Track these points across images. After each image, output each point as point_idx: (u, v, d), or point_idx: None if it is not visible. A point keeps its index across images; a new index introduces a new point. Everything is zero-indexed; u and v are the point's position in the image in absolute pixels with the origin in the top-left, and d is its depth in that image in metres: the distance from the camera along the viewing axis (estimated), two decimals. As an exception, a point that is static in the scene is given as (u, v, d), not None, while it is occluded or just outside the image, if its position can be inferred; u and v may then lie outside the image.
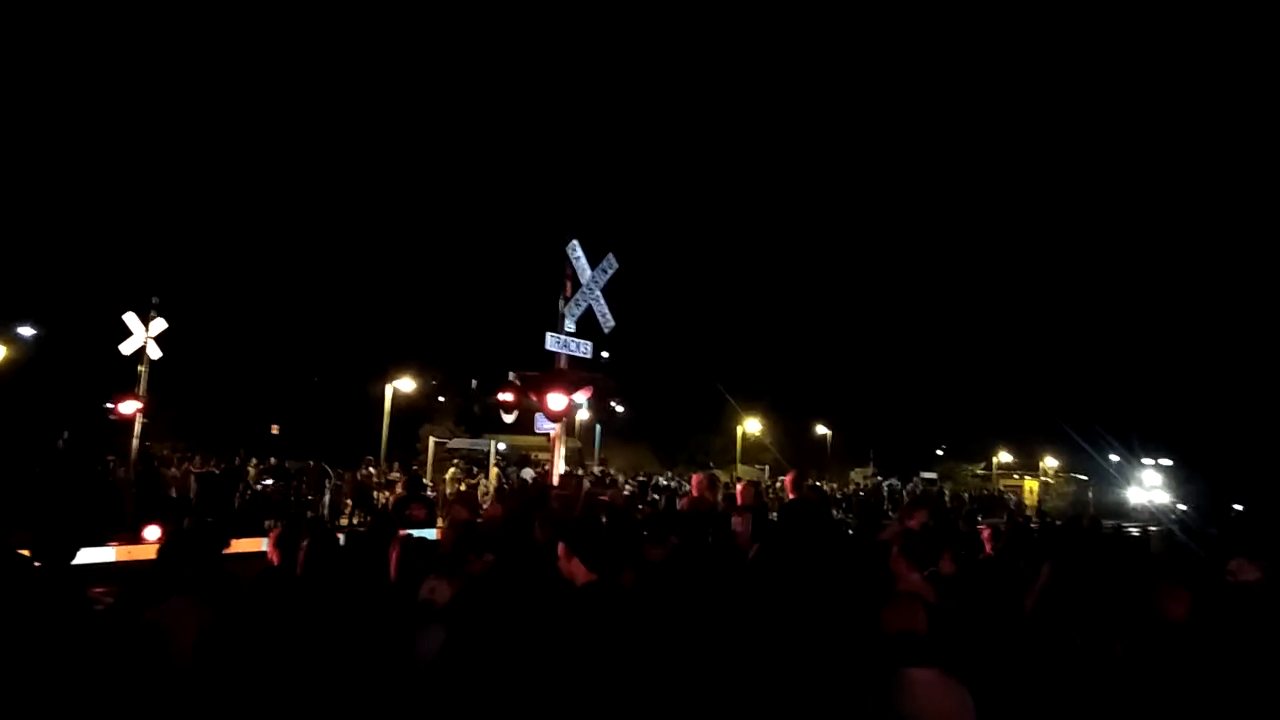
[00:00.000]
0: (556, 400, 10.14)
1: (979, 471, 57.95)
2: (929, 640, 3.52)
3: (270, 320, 39.54)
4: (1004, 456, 58.65)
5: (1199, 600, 4.37)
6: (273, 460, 23.58)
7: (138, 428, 16.23)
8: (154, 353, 16.35)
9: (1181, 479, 51.98)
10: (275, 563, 4.83)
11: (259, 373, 37.44)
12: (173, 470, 20.87)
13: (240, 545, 6.13)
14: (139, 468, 16.95)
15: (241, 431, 28.77)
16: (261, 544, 5.44)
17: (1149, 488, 50.52)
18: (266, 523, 17.33)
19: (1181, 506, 37.53)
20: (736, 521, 7.60)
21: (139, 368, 16.17)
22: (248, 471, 22.06)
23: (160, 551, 5.01)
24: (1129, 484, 51.04)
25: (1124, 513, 37.41)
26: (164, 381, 17.94)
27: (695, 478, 9.44)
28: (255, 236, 43.94)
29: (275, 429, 33.44)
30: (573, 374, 10.76)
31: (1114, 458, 50.52)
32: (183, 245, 38.24)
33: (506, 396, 10.48)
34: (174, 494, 19.33)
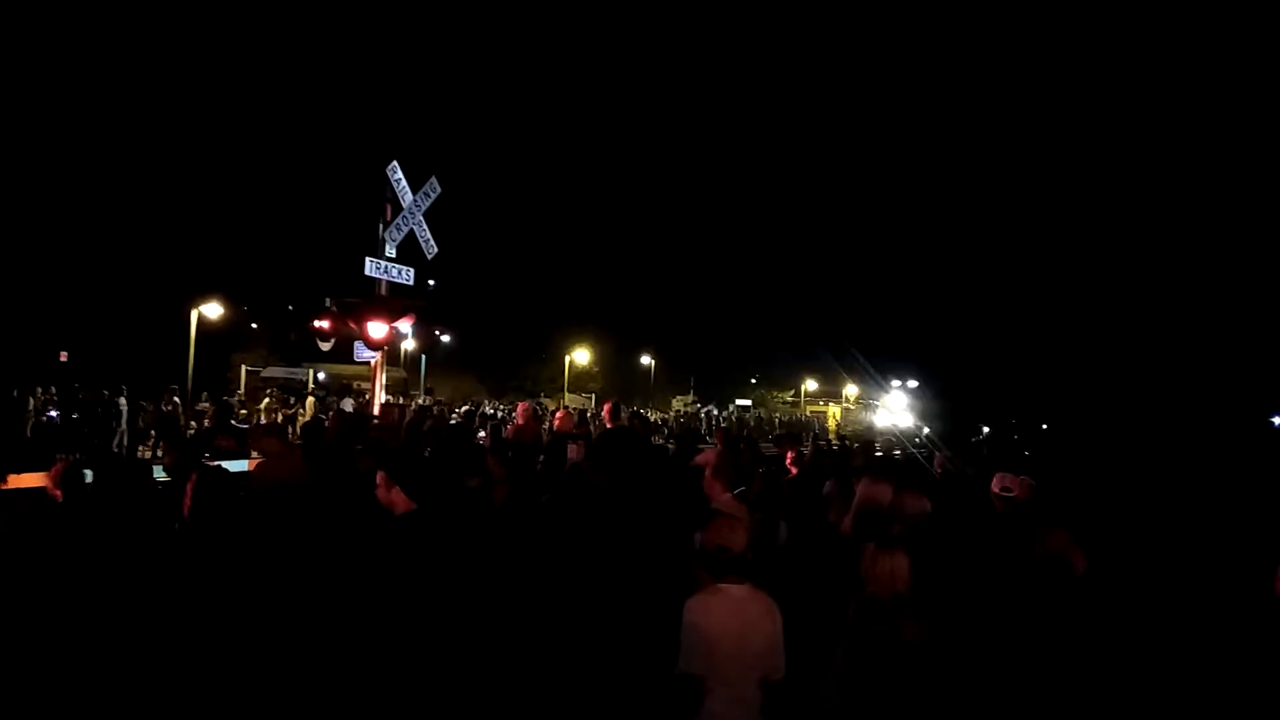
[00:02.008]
0: (377, 328, 9.87)
1: (789, 399, 61.46)
2: (743, 557, 3.72)
3: (62, 235, 35.92)
4: (810, 385, 62.43)
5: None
6: (54, 389, 21.65)
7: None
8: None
9: (927, 400, 53.16)
10: (58, 499, 4.51)
11: (45, 293, 34.05)
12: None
13: (23, 480, 5.68)
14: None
15: (25, 357, 26.25)
16: (43, 478, 5.07)
17: (896, 410, 51.55)
18: (57, 456, 16.04)
19: (926, 430, 35.50)
20: (573, 449, 7.79)
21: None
22: (29, 401, 20.21)
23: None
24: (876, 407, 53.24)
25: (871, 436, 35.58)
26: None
27: (520, 406, 9.54)
28: (45, 135, 39.31)
29: (64, 356, 30.65)
30: (394, 301, 10.48)
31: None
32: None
33: (323, 324, 10.10)
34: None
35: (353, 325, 10.02)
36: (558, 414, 8.97)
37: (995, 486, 6.07)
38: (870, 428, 46.52)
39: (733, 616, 3.60)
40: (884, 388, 54.35)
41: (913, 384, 57.65)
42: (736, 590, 3.66)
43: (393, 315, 10.17)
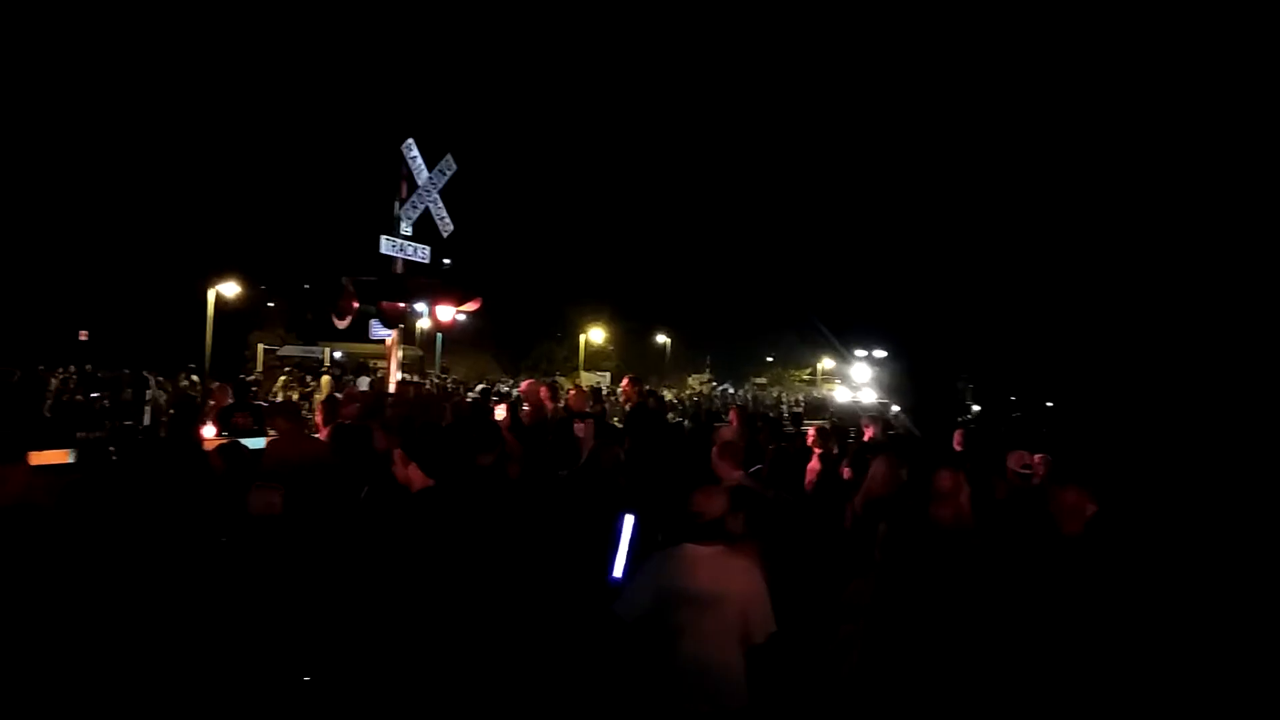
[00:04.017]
0: (393, 307, 9.90)
1: (805, 377, 61.31)
2: (718, 522, 3.74)
3: (82, 216, 36.08)
4: (827, 363, 62.25)
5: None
6: (73, 368, 21.84)
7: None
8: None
9: (896, 373, 49.11)
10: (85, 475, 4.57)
11: (66, 274, 34.28)
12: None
13: (43, 458, 5.74)
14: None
15: (45, 338, 26.48)
16: (67, 455, 5.14)
17: (857, 385, 48.16)
18: (79, 435, 16.19)
19: (896, 408, 31.38)
20: (579, 427, 7.81)
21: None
22: (50, 380, 20.41)
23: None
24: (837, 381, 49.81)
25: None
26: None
27: (525, 384, 9.60)
28: (63, 120, 39.45)
29: (84, 335, 30.93)
30: (410, 280, 10.50)
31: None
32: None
33: (340, 302, 10.12)
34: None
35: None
36: (570, 392, 8.97)
37: (1014, 464, 6.03)
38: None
39: (693, 571, 3.64)
40: (878, 366, 52.65)
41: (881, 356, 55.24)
42: (702, 549, 3.71)
43: (409, 294, 10.21)
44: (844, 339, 51.69)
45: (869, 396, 42.43)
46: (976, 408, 35.78)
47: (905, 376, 49.36)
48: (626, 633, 3.68)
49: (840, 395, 44.03)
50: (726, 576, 3.66)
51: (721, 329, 58.12)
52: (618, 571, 4.49)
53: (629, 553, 4.39)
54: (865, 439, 7.88)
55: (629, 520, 4.52)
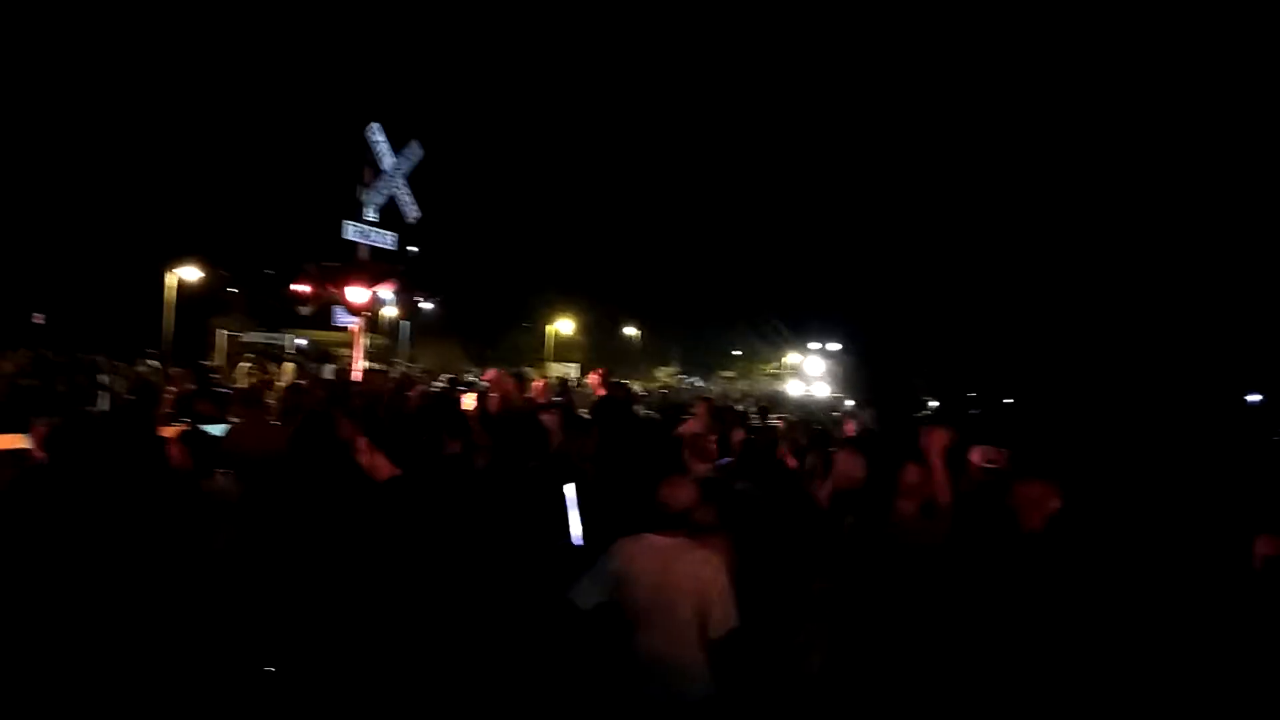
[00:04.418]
0: (357, 293, 9.77)
1: (771, 370, 61.65)
2: (683, 514, 3.76)
3: (37, 197, 35.23)
4: (794, 358, 62.65)
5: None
6: (28, 352, 21.32)
7: None
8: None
9: (851, 367, 49.33)
10: (44, 460, 4.44)
11: (20, 255, 33.47)
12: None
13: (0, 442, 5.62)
14: None
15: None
16: (22, 440, 5.01)
17: (811, 379, 46.63)
18: (33, 420, 15.81)
19: (850, 403, 30.01)
20: (546, 418, 7.77)
21: None
22: (3, 365, 19.91)
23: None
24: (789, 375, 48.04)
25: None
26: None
27: (490, 373, 9.56)
28: (21, 100, 38.41)
29: (39, 318, 30.23)
30: (374, 266, 10.38)
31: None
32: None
33: (303, 288, 9.99)
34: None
35: (333, 289, 9.92)
36: (535, 384, 8.94)
37: (978, 459, 6.06)
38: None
39: (651, 560, 3.66)
40: (831, 360, 52.02)
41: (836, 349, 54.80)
42: (663, 540, 3.73)
43: (374, 279, 10.07)
44: (798, 331, 51.70)
45: (822, 390, 41.65)
46: (934, 403, 35.67)
47: (859, 370, 49.35)
48: (584, 620, 3.68)
49: (793, 389, 41.85)
50: (682, 568, 3.64)
51: (689, 321, 58.38)
52: (575, 533, 4.55)
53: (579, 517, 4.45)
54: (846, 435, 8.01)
55: (570, 488, 4.68)
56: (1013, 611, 3.82)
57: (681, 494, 3.82)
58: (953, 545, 4.38)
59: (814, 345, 55.24)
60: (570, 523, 4.59)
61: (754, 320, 52.45)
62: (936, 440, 5.01)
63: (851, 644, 4.03)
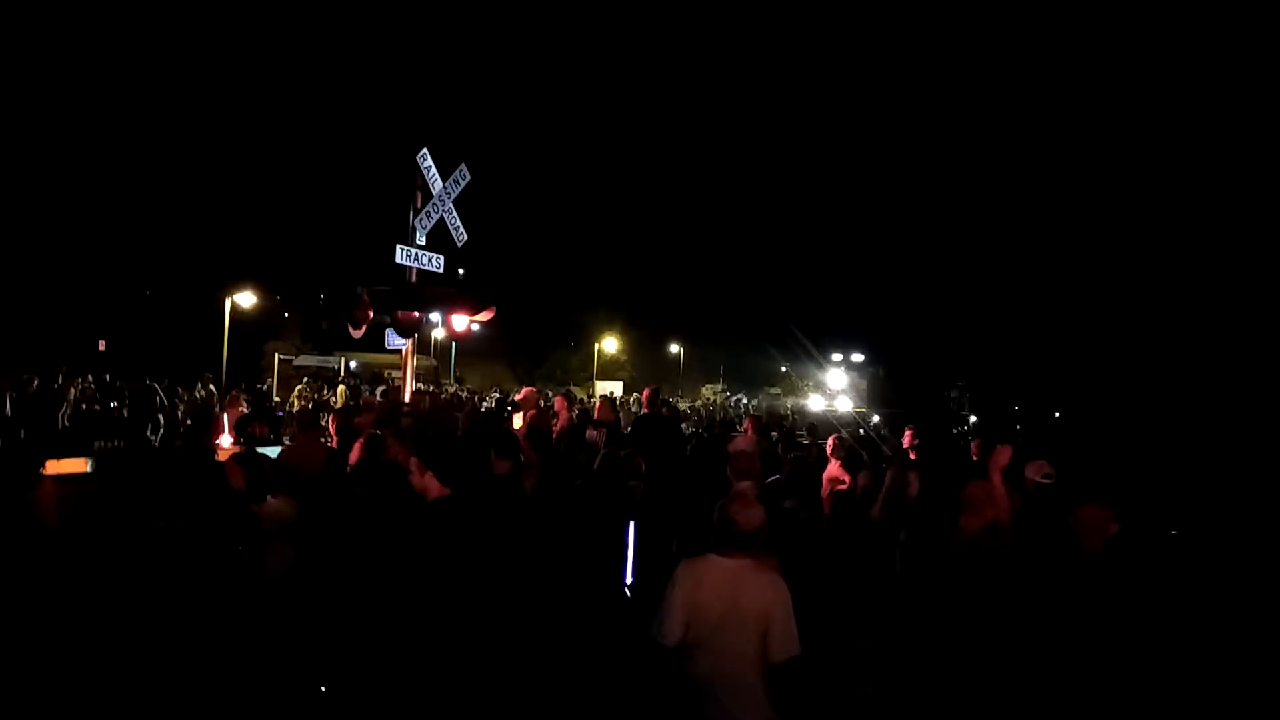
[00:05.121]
0: (408, 316, 9.91)
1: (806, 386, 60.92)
2: (751, 535, 3.67)
3: (99, 225, 36.42)
4: (818, 371, 61.68)
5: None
6: (91, 378, 22.00)
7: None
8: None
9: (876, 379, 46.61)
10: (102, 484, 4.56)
11: (84, 283, 34.58)
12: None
13: (61, 466, 5.75)
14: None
15: (64, 347, 26.68)
16: (85, 464, 5.14)
17: (834, 393, 45.01)
18: (96, 444, 16.27)
19: (876, 419, 28.99)
20: (592, 434, 7.82)
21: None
22: (68, 390, 20.55)
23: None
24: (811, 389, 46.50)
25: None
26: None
27: (524, 391, 9.69)
28: (82, 133, 39.86)
29: (102, 345, 31.16)
30: (425, 289, 10.50)
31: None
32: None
33: (355, 312, 10.14)
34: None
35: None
36: (595, 403, 8.99)
37: (1034, 474, 5.95)
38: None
39: (718, 583, 3.57)
40: (854, 372, 50.94)
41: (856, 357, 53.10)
42: (729, 561, 3.63)
43: (425, 303, 10.21)
44: (819, 344, 50.15)
45: (845, 405, 39.56)
46: (974, 418, 34.48)
47: (887, 383, 47.73)
48: (666, 656, 3.57)
49: (814, 404, 40.49)
50: (750, 590, 3.57)
51: (732, 337, 58.12)
52: (627, 577, 4.49)
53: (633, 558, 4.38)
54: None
55: (630, 528, 4.50)
56: (1080, 635, 3.72)
57: (754, 514, 3.73)
58: (1020, 566, 4.28)
59: (836, 357, 53.48)
60: (625, 562, 4.48)
61: (779, 336, 51.50)
62: (1000, 457, 4.93)
63: (908, 669, 3.94)
